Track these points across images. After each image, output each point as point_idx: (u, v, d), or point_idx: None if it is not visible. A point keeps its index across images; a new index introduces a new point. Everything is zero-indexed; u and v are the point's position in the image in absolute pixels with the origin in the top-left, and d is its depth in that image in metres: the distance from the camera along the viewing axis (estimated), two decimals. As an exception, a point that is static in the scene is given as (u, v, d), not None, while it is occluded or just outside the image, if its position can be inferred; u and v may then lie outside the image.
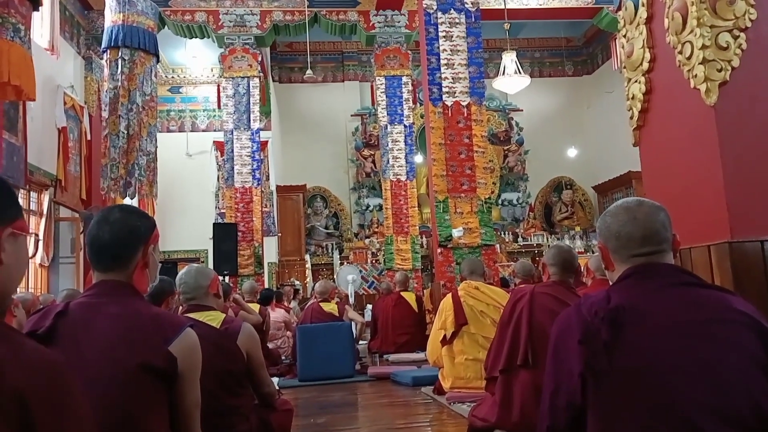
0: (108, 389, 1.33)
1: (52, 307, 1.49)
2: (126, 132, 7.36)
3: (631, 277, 1.40)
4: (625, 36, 2.91)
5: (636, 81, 2.81)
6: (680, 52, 2.49)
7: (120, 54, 7.49)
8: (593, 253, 12.03)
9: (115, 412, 1.32)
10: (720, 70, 2.36)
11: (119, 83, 7.42)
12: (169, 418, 1.42)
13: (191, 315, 2.32)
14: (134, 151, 7.40)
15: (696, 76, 2.41)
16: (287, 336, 6.77)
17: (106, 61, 7.73)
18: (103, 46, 7.83)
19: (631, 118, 2.87)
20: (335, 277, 11.20)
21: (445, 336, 4.07)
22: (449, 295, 4.23)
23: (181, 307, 2.70)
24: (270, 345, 6.35)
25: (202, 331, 1.76)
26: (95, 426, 1.03)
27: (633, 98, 2.84)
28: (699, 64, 2.38)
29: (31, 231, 6.71)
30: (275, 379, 4.23)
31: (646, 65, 2.74)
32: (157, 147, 7.94)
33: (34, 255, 6.75)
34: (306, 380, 5.37)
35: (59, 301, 3.35)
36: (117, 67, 7.48)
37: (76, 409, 0.97)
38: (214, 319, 2.38)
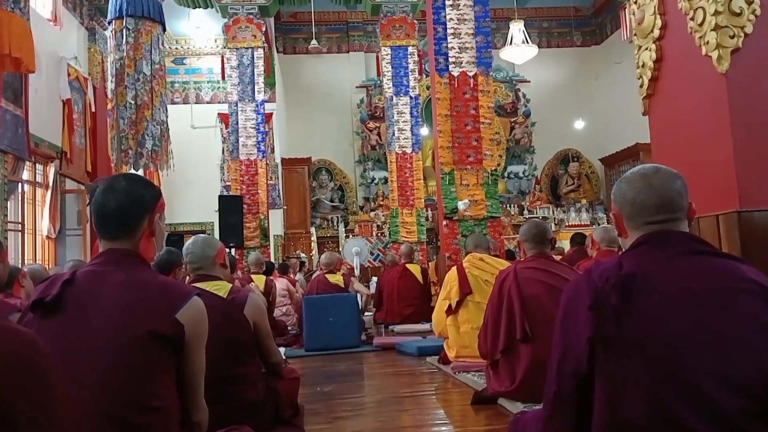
0: (117, 356, 1.34)
1: (59, 275, 1.49)
2: (134, 102, 7.32)
3: (644, 244, 1.39)
4: (636, 2, 2.85)
5: (646, 48, 2.76)
6: (692, 19, 2.44)
7: (125, 24, 7.41)
8: (599, 225, 12.02)
9: (124, 379, 1.33)
10: (732, 37, 2.31)
11: (125, 53, 7.36)
12: (176, 385, 1.44)
13: (198, 285, 2.33)
14: (143, 122, 7.35)
15: (708, 43, 2.36)
16: (290, 305, 6.83)
17: (111, 32, 7.66)
18: (108, 17, 7.75)
19: (641, 86, 2.82)
20: (341, 249, 11.24)
21: (450, 306, 4.09)
22: (454, 267, 4.25)
23: (188, 277, 2.72)
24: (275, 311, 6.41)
25: (209, 300, 1.77)
26: (71, 403, 1.01)
27: (643, 66, 2.79)
28: (711, 30, 2.33)
29: None
30: (282, 350, 4.28)
31: (657, 32, 2.69)
32: (168, 116, 7.90)
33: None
34: (312, 350, 5.43)
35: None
36: (122, 38, 7.41)
37: (56, 389, 0.95)
38: (220, 288, 2.39)
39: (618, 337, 1.27)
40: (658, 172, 1.43)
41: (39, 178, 8.61)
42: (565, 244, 8.47)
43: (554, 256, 6.96)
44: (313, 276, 7.25)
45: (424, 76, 13.31)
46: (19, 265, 5.99)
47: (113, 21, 7.56)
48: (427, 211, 11.39)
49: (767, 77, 2.33)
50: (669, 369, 1.22)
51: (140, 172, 7.87)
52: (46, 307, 1.39)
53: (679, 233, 1.40)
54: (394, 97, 10.15)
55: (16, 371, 0.88)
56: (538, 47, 12.83)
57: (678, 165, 2.48)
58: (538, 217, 13.63)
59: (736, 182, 2.28)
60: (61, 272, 1.56)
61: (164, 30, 7.96)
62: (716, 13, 2.31)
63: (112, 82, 7.54)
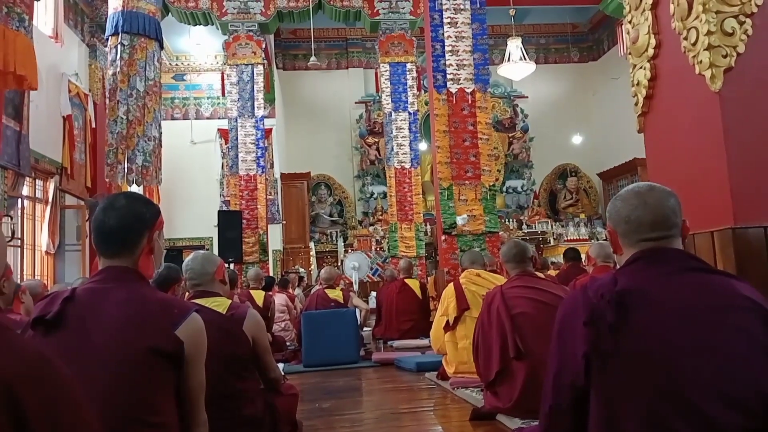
0: (117, 372, 1.35)
1: (60, 292, 1.51)
2: (125, 118, 7.37)
3: (638, 261, 1.41)
4: (630, 22, 2.89)
5: (641, 67, 2.80)
6: (685, 38, 2.48)
7: (120, 40, 7.49)
8: (597, 240, 12.04)
9: (125, 395, 1.34)
10: (725, 56, 2.34)
11: (118, 69, 7.43)
12: (176, 400, 1.44)
13: (197, 301, 2.34)
14: (134, 137, 7.41)
15: (701, 62, 2.39)
16: (289, 320, 6.83)
17: (108, 48, 7.75)
18: (106, 33, 7.84)
19: (636, 104, 2.85)
20: (339, 264, 11.24)
21: (448, 322, 4.09)
22: (451, 284, 4.26)
23: (187, 294, 2.73)
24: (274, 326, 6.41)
25: (208, 316, 1.78)
26: (93, 413, 1.03)
27: (638, 84, 2.83)
28: (704, 50, 2.37)
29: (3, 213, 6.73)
30: (280, 365, 4.27)
31: (651, 51, 2.72)
32: (161, 132, 7.95)
33: (11, 239, 6.83)
34: (311, 366, 5.41)
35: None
36: (117, 53, 7.49)
37: (71, 398, 0.97)
38: (220, 305, 2.40)
39: (614, 353, 1.28)
40: (653, 190, 1.45)
41: (39, 194, 8.63)
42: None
43: (551, 272, 6.98)
44: (312, 291, 7.25)
45: (422, 91, 13.40)
46: (19, 281, 5.99)
47: (110, 37, 7.64)
48: (425, 225, 11.41)
49: (760, 95, 2.36)
50: (665, 384, 1.23)
51: (139, 190, 7.92)
52: (47, 324, 1.40)
53: (674, 250, 1.42)
54: (393, 113, 10.22)
55: (34, 388, 0.90)
56: (536, 63, 12.95)
57: (673, 182, 2.50)
58: (537, 232, 13.66)
59: (730, 199, 2.30)
60: (62, 289, 1.57)
61: (161, 47, 8.03)
62: (709, 33, 2.35)
63: (107, 97, 7.62)
